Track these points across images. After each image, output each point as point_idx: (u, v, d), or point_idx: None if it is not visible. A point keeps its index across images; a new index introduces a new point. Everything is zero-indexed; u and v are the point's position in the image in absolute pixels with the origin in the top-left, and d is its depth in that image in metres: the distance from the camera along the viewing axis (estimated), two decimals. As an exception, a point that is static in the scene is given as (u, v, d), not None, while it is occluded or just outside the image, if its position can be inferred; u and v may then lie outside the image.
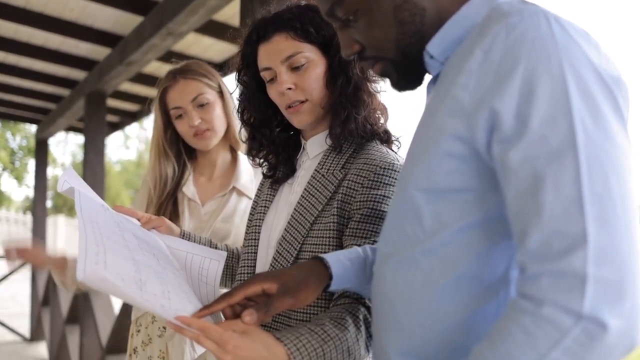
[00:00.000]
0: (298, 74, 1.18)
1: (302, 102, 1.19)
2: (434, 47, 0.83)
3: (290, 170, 1.32)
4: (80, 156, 32.95)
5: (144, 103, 5.43)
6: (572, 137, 0.62)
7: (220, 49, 3.99)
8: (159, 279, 0.96)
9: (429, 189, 0.75)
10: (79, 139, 32.13)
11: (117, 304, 4.17)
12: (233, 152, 1.79)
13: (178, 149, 1.76)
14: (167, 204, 1.68)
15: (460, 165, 0.73)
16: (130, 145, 36.31)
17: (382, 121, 1.25)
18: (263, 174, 1.39)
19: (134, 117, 6.10)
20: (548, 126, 0.63)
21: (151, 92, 5.17)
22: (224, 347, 0.82)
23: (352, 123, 1.17)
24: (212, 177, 1.75)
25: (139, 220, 1.25)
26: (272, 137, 1.33)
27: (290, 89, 1.18)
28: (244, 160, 1.78)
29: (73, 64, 4.46)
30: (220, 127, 1.67)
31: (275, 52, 1.18)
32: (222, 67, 4.23)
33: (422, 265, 0.76)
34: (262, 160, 1.36)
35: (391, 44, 0.86)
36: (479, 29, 0.75)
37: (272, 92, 1.22)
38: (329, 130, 1.22)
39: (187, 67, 1.73)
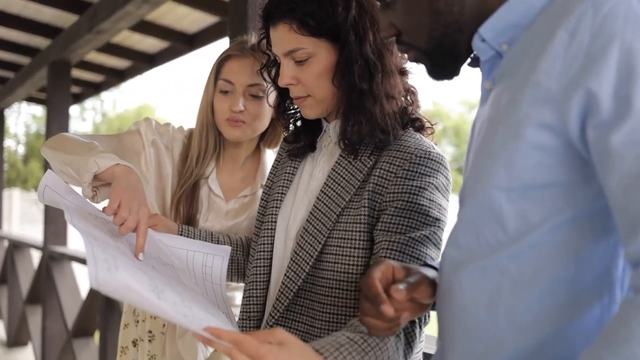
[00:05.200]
0: (302, 67, 1.10)
1: (305, 97, 1.13)
2: (487, 30, 0.78)
3: (310, 144, 1.23)
4: (34, 127, 31.90)
5: (108, 74, 5.27)
6: None
7: (195, 19, 3.82)
8: (173, 287, 0.90)
9: (510, 188, 0.69)
10: (33, 109, 31.05)
11: (84, 285, 3.97)
12: (257, 146, 1.61)
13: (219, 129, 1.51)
14: (189, 189, 1.50)
15: (548, 157, 0.67)
16: (87, 117, 35.28)
17: (410, 109, 1.16)
18: (285, 139, 1.30)
19: (97, 88, 5.84)
20: None
21: (116, 62, 4.99)
22: None
23: (355, 135, 1.08)
24: (234, 171, 1.59)
25: None
26: None
27: (291, 84, 1.12)
28: (268, 154, 1.63)
29: (35, 31, 4.21)
30: (258, 127, 1.48)
31: (278, 42, 1.11)
32: (195, 39, 4.12)
33: (509, 271, 0.71)
34: (289, 124, 1.29)
35: (424, 33, 0.83)
36: (551, 11, 0.70)
37: None
38: (340, 136, 1.13)
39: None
